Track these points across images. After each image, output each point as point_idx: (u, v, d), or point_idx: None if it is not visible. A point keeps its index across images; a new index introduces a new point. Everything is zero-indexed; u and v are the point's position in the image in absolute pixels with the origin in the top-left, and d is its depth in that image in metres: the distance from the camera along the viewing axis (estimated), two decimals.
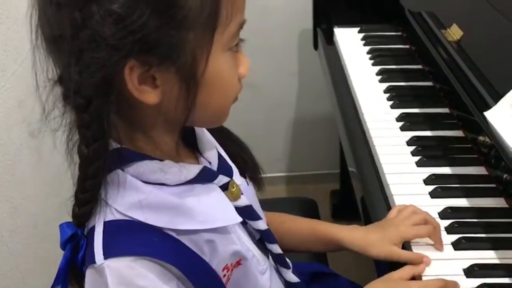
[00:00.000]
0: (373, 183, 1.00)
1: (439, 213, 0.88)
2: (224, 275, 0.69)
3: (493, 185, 0.93)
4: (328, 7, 1.54)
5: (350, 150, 1.13)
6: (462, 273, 0.79)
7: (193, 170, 0.66)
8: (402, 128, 1.08)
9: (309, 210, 1.27)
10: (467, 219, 0.87)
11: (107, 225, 0.61)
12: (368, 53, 1.36)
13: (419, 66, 1.30)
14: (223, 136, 0.78)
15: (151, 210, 0.62)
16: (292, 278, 0.82)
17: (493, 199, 0.91)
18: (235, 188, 0.72)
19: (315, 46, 1.61)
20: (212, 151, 0.73)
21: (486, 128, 0.84)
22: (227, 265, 0.69)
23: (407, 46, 1.39)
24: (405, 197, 0.92)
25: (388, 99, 1.18)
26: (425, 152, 1.01)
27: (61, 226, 0.63)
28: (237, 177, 0.75)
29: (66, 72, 0.56)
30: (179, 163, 0.65)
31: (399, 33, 1.45)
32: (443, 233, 0.85)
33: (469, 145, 1.02)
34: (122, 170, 0.62)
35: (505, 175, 0.90)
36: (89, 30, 0.53)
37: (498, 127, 0.80)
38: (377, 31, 1.45)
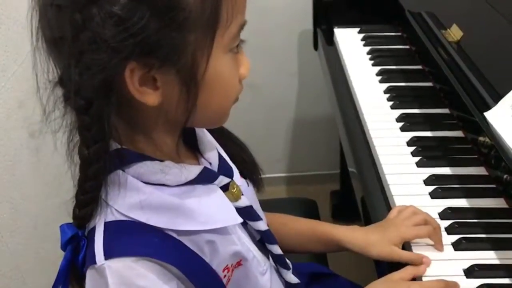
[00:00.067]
0: (373, 183, 1.00)
1: (439, 214, 0.88)
2: (225, 276, 0.69)
3: (493, 186, 0.93)
4: (328, 7, 1.54)
5: (350, 151, 1.13)
6: (462, 273, 0.79)
7: (193, 170, 0.66)
8: (402, 129, 1.09)
9: (309, 210, 1.27)
10: (467, 219, 0.87)
11: (108, 225, 0.61)
12: (368, 53, 1.36)
13: (419, 67, 1.30)
14: (223, 136, 0.78)
15: (152, 211, 0.62)
16: (292, 279, 0.82)
17: (493, 200, 0.91)
18: (235, 189, 0.72)
19: (315, 47, 1.61)
20: (213, 152, 0.73)
21: (486, 128, 0.84)
22: (227, 265, 0.69)
23: (407, 47, 1.39)
24: (405, 197, 0.92)
25: (388, 99, 1.18)
26: (425, 152, 1.01)
27: (61, 227, 0.63)
28: (237, 178, 0.75)
29: (67, 73, 0.56)
30: (179, 163, 0.65)
31: (399, 34, 1.45)
32: (443, 233, 0.85)
33: (469, 146, 1.02)
34: (123, 170, 0.62)
35: (505, 176, 0.90)
36: (89, 32, 0.53)
37: (498, 127, 0.80)
38: (377, 32, 1.45)
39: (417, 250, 0.83)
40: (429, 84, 1.23)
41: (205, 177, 0.68)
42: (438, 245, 0.83)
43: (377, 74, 1.27)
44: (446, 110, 1.13)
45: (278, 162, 2.12)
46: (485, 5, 1.05)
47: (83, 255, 0.62)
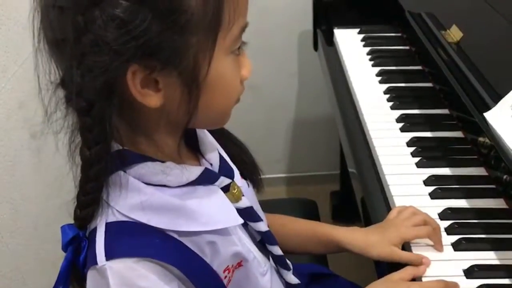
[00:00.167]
0: (373, 184, 1.00)
1: (439, 214, 0.88)
2: (225, 276, 0.69)
3: (493, 186, 0.93)
4: (328, 8, 1.54)
5: (350, 151, 1.13)
6: (462, 273, 0.79)
7: (194, 171, 0.66)
8: (402, 129, 1.09)
9: (309, 211, 1.27)
10: (467, 220, 0.87)
11: (109, 226, 0.61)
12: (368, 54, 1.36)
13: (419, 67, 1.30)
14: (224, 137, 0.78)
15: (153, 212, 0.62)
16: (293, 279, 0.82)
17: (493, 200, 0.91)
18: (236, 190, 0.72)
19: (315, 47, 1.62)
20: (214, 153, 0.73)
21: (486, 129, 0.84)
22: (228, 266, 0.69)
23: (407, 47, 1.39)
24: (405, 198, 0.92)
25: (388, 100, 1.18)
26: (425, 153, 1.01)
27: (62, 228, 0.63)
28: (238, 179, 0.75)
29: (69, 75, 0.56)
30: (180, 164, 0.65)
31: (399, 34, 1.45)
32: (443, 233, 0.85)
33: (469, 146, 1.03)
34: (124, 171, 0.62)
35: (504, 176, 0.90)
36: (91, 34, 0.53)
37: (497, 128, 0.80)
38: (377, 32, 1.45)
39: (416, 251, 0.83)
40: (429, 84, 1.23)
41: (206, 178, 0.68)
42: (438, 246, 0.83)
43: (377, 75, 1.27)
44: (446, 111, 1.13)
45: (278, 162, 2.12)
46: (485, 5, 1.05)
47: (84, 256, 0.62)
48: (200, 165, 0.71)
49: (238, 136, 0.82)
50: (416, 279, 0.79)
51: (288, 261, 0.82)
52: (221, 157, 0.74)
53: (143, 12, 0.53)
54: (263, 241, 0.77)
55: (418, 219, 0.84)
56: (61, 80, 0.59)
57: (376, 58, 1.33)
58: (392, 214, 0.88)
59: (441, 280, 0.77)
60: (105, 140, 0.58)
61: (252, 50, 0.66)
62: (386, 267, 0.82)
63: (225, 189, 0.71)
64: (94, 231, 0.62)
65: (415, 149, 1.02)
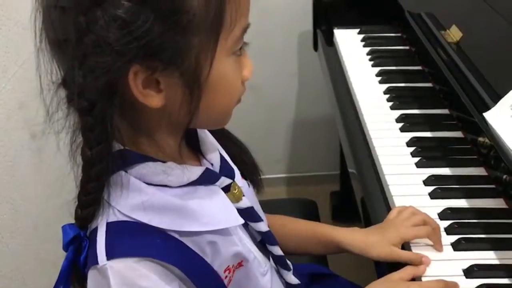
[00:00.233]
0: (373, 184, 1.00)
1: (438, 214, 0.88)
2: (226, 277, 0.69)
3: (493, 186, 0.93)
4: (327, 8, 1.54)
5: (350, 151, 1.13)
6: (462, 273, 0.79)
7: (195, 171, 0.66)
8: (402, 129, 1.09)
9: (309, 211, 1.27)
10: (466, 219, 0.87)
11: (110, 226, 0.61)
12: (368, 54, 1.36)
13: (419, 67, 1.30)
14: (224, 137, 0.79)
15: (154, 212, 0.62)
16: (293, 279, 0.82)
17: (493, 200, 0.91)
18: (236, 190, 0.72)
19: (315, 47, 1.62)
20: (215, 153, 0.73)
21: (485, 129, 0.85)
22: (228, 266, 0.69)
23: (406, 47, 1.40)
24: (405, 198, 0.92)
25: (388, 100, 1.18)
26: (425, 153, 1.01)
27: (63, 227, 0.63)
28: (238, 179, 0.75)
29: (70, 75, 0.56)
30: (181, 165, 0.65)
31: (399, 34, 1.45)
32: (443, 233, 0.85)
33: (469, 146, 1.03)
34: (125, 171, 0.62)
35: (504, 176, 0.90)
36: (93, 35, 0.53)
37: (497, 128, 0.80)
38: (377, 32, 1.46)
39: (416, 251, 0.83)
40: (429, 84, 1.23)
41: (207, 178, 0.68)
42: (438, 246, 0.83)
43: (377, 75, 1.27)
44: (445, 111, 1.13)
45: (278, 162, 2.12)
46: (485, 6, 1.06)
47: (84, 256, 0.63)
48: (201, 165, 0.71)
49: (238, 136, 0.83)
50: (415, 279, 0.79)
51: (288, 261, 0.82)
52: (222, 157, 0.74)
53: (145, 12, 0.53)
54: (263, 241, 0.77)
55: (418, 219, 0.84)
56: (63, 80, 0.59)
57: (376, 58, 1.34)
58: (392, 214, 0.88)
59: (441, 280, 0.77)
60: (107, 140, 0.58)
61: (252, 51, 0.67)
62: (386, 267, 0.83)
63: (226, 189, 0.71)
64: (95, 231, 0.62)
65: (415, 149, 1.02)
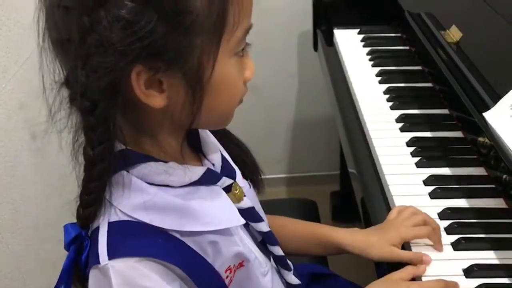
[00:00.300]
0: (373, 184, 1.00)
1: (438, 214, 0.88)
2: (227, 277, 0.69)
3: (493, 186, 0.93)
4: (327, 8, 1.54)
5: (350, 151, 1.13)
6: (462, 273, 0.79)
7: (197, 172, 0.66)
8: (402, 129, 1.09)
9: (309, 211, 1.28)
10: (466, 219, 0.87)
11: (112, 226, 0.61)
12: (367, 54, 1.37)
13: (419, 67, 1.30)
14: (225, 138, 0.79)
15: (156, 212, 0.62)
16: (293, 280, 0.82)
17: (493, 200, 0.91)
18: (238, 190, 0.72)
19: (315, 48, 1.62)
20: (216, 154, 0.73)
21: (485, 129, 0.85)
22: (229, 266, 0.69)
23: (406, 47, 1.40)
24: (405, 198, 0.92)
25: (388, 100, 1.18)
26: (425, 153, 1.01)
27: (65, 227, 0.63)
28: (240, 179, 0.75)
29: (73, 75, 0.56)
30: (183, 165, 0.65)
31: (399, 35, 1.45)
32: (443, 233, 0.85)
33: (469, 146, 1.03)
34: (127, 171, 0.62)
35: (504, 176, 0.90)
36: (96, 35, 0.53)
37: (497, 128, 0.80)
38: (377, 33, 1.46)
39: (416, 251, 0.83)
40: (429, 84, 1.24)
41: (209, 178, 0.68)
42: (438, 245, 0.83)
43: (377, 75, 1.27)
44: (445, 111, 1.14)
45: (278, 163, 2.12)
46: (484, 6, 1.06)
47: (86, 255, 0.63)
48: (202, 165, 0.71)
49: (238, 137, 0.83)
50: (416, 278, 0.79)
51: (289, 261, 0.82)
52: (223, 157, 0.74)
53: (148, 13, 0.53)
54: (264, 242, 0.78)
55: (418, 219, 0.84)
56: (65, 80, 0.59)
57: (376, 58, 1.34)
58: (392, 214, 0.88)
59: (441, 279, 0.77)
60: (109, 140, 0.58)
61: (252, 51, 0.67)
62: (386, 267, 0.83)
63: (227, 189, 0.71)
64: (96, 230, 0.62)
65: (415, 149, 1.02)
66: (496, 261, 0.80)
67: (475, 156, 1.00)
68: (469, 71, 0.96)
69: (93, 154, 0.58)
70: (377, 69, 1.29)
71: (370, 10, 1.51)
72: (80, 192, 0.62)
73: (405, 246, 0.84)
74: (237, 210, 0.71)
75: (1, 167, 1.07)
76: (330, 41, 1.49)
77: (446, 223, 0.86)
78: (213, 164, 0.72)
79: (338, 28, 1.49)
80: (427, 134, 1.07)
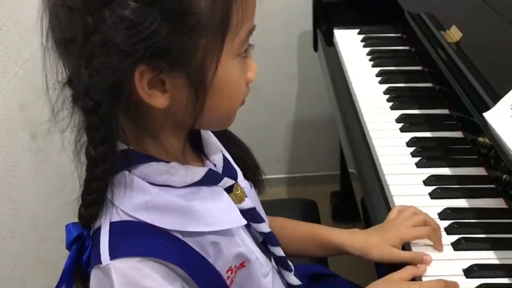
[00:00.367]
0: (373, 184, 1.00)
1: (438, 214, 0.88)
2: (228, 277, 0.69)
3: (493, 186, 0.93)
4: (327, 8, 1.54)
5: (350, 152, 1.13)
6: (462, 273, 0.79)
7: (199, 172, 0.66)
8: (402, 129, 1.09)
9: (310, 211, 1.27)
10: (466, 219, 0.87)
11: (113, 226, 0.61)
12: (368, 54, 1.37)
13: (419, 68, 1.30)
14: (227, 138, 0.79)
15: (158, 212, 0.62)
16: (294, 280, 0.82)
17: (493, 200, 0.91)
18: (239, 191, 0.72)
19: (315, 48, 1.62)
20: (218, 154, 0.73)
21: (485, 129, 0.85)
22: (231, 267, 0.69)
23: (406, 48, 1.40)
24: (405, 198, 0.92)
25: (388, 100, 1.18)
26: (425, 153, 1.01)
27: (67, 226, 0.63)
28: (241, 180, 0.75)
29: (76, 74, 0.56)
30: (185, 165, 0.66)
31: (399, 35, 1.45)
32: (443, 233, 0.85)
33: (469, 146, 1.03)
34: (129, 171, 0.62)
35: (504, 176, 0.90)
36: (100, 35, 0.53)
37: (497, 128, 0.80)
38: (377, 33, 1.46)
39: (416, 251, 0.83)
40: (429, 84, 1.24)
41: (210, 179, 0.68)
42: (438, 246, 0.83)
43: (377, 75, 1.27)
44: (445, 111, 1.14)
45: (278, 163, 2.12)
46: (484, 6, 1.06)
47: (87, 255, 0.63)
48: (204, 166, 0.71)
49: (238, 137, 0.83)
50: (416, 278, 0.79)
51: (289, 262, 0.82)
52: (224, 158, 0.74)
53: (152, 13, 0.53)
54: (265, 242, 0.78)
55: (418, 220, 0.84)
56: (68, 79, 0.59)
57: (376, 58, 1.34)
58: (392, 214, 0.88)
59: (441, 279, 0.77)
60: (111, 140, 0.58)
61: (252, 51, 0.67)
62: (386, 267, 0.83)
63: (229, 190, 0.71)
64: (98, 230, 0.62)
65: (415, 149, 1.02)
66: (496, 261, 0.80)
67: (475, 156, 1.00)
68: (469, 71, 0.96)
69: (95, 154, 0.58)
70: (377, 69, 1.29)
71: (370, 10, 1.51)
72: (82, 191, 0.62)
73: (405, 246, 0.84)
74: (238, 211, 0.71)
75: (2, 167, 1.07)
76: (330, 41, 1.49)
77: (446, 223, 0.86)
78: (215, 165, 0.72)
79: (338, 28, 1.49)
80: (427, 134, 1.07)
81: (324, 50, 1.51)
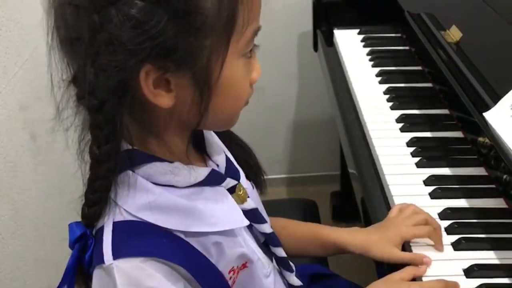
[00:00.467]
0: (373, 184, 1.00)
1: (438, 214, 0.88)
2: (230, 278, 0.69)
3: (493, 186, 0.93)
4: (327, 8, 1.54)
5: (350, 152, 1.13)
6: (462, 273, 0.79)
7: (202, 172, 0.66)
8: (402, 129, 1.09)
9: (310, 211, 1.27)
10: (466, 219, 0.87)
11: (116, 225, 0.61)
12: (368, 54, 1.37)
13: (419, 68, 1.30)
14: (229, 139, 0.79)
15: (161, 212, 0.62)
16: (295, 281, 0.82)
17: (493, 200, 0.91)
18: (242, 191, 0.72)
19: (315, 48, 1.62)
20: (221, 155, 0.73)
21: (485, 129, 0.85)
22: (233, 267, 0.69)
23: (406, 48, 1.40)
24: (405, 198, 0.92)
25: (388, 100, 1.18)
26: (425, 153, 1.01)
27: (70, 225, 0.63)
28: (243, 180, 0.75)
29: (81, 73, 0.56)
30: (188, 165, 0.66)
31: (399, 35, 1.45)
32: (443, 233, 0.85)
33: (469, 146, 1.03)
34: (133, 171, 0.62)
35: (504, 176, 0.90)
36: (106, 34, 0.53)
37: (497, 128, 0.80)
38: (377, 33, 1.46)
39: (417, 250, 0.83)
40: (429, 84, 1.24)
41: (213, 179, 0.68)
42: (438, 245, 0.83)
43: (377, 75, 1.27)
44: (445, 111, 1.14)
45: (278, 163, 2.12)
46: (484, 6, 1.06)
47: (90, 254, 0.63)
48: (206, 166, 0.71)
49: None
50: (416, 279, 0.79)
51: (291, 263, 0.82)
52: (227, 158, 0.74)
53: (159, 13, 0.53)
54: (266, 243, 0.78)
55: (419, 219, 0.84)
56: (73, 78, 0.59)
57: (376, 58, 1.34)
58: (393, 212, 0.88)
59: (441, 279, 0.77)
60: (115, 139, 0.58)
61: (256, 52, 0.67)
62: (386, 267, 0.83)
63: (231, 190, 0.71)
64: (101, 229, 0.62)
65: (415, 149, 1.02)
66: (496, 261, 0.81)
67: (475, 156, 1.00)
68: (469, 71, 0.96)
69: (99, 153, 0.58)
70: (377, 69, 1.29)
71: (370, 10, 1.51)
72: (85, 190, 0.62)
73: (405, 246, 0.84)
74: (241, 211, 0.71)
75: (2, 167, 1.07)
76: (330, 42, 1.49)
77: (447, 223, 0.86)
78: (217, 165, 0.72)
79: (338, 28, 1.49)
80: (427, 134, 1.08)
81: (324, 50, 1.51)
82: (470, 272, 0.79)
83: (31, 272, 1.17)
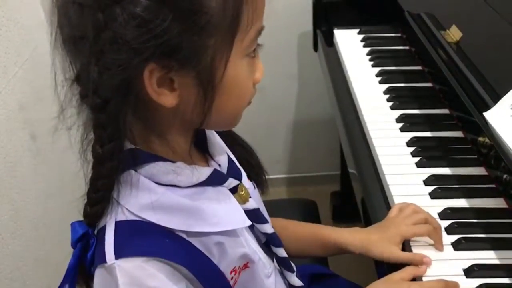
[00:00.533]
0: (373, 184, 1.00)
1: (439, 214, 0.88)
2: (232, 278, 0.69)
3: (493, 186, 0.93)
4: (327, 8, 1.54)
5: (350, 152, 1.13)
6: (462, 273, 0.79)
7: (204, 172, 0.66)
8: (402, 129, 1.09)
9: (310, 211, 1.28)
10: (467, 219, 0.87)
11: (119, 225, 0.61)
12: (367, 54, 1.37)
13: (419, 67, 1.30)
14: (231, 139, 0.79)
15: (163, 212, 0.62)
16: (296, 282, 0.82)
17: (493, 200, 0.91)
18: (243, 191, 0.73)
19: (315, 48, 1.62)
20: (223, 155, 0.73)
21: (485, 128, 0.85)
22: (235, 267, 0.69)
23: (406, 47, 1.40)
24: (405, 197, 0.92)
25: (388, 100, 1.18)
26: (425, 153, 1.01)
27: (72, 224, 0.63)
28: (245, 181, 0.75)
29: (85, 72, 0.56)
30: (191, 165, 0.66)
31: (399, 34, 1.45)
32: (443, 233, 0.85)
33: (469, 146, 1.03)
34: (135, 170, 0.62)
35: (504, 176, 0.90)
36: (111, 32, 0.53)
37: (497, 127, 0.80)
38: (377, 33, 1.46)
39: (417, 250, 0.83)
40: (429, 84, 1.24)
41: (216, 179, 0.68)
42: (438, 245, 0.83)
43: (377, 75, 1.27)
44: (445, 111, 1.14)
45: (278, 163, 2.12)
46: (484, 5, 1.06)
47: (91, 254, 0.63)
48: (208, 166, 0.71)
49: None
50: (416, 278, 0.79)
51: (292, 263, 0.82)
52: (229, 158, 0.74)
53: (163, 11, 0.53)
54: (267, 243, 0.78)
55: (419, 218, 0.84)
56: (76, 77, 0.59)
57: (376, 58, 1.34)
58: (393, 212, 0.88)
59: (441, 279, 0.77)
60: (119, 138, 0.58)
61: (260, 51, 0.67)
62: (386, 267, 0.83)
63: (233, 190, 0.71)
64: (103, 229, 0.62)
65: (415, 149, 1.02)
66: (496, 261, 0.81)
67: (475, 156, 1.00)
68: (469, 70, 0.96)
69: (102, 152, 0.58)
70: (377, 69, 1.29)
71: (370, 10, 1.51)
72: (87, 190, 0.62)
73: (405, 246, 0.84)
74: (243, 212, 0.71)
75: (1, 167, 1.07)
76: (330, 41, 1.49)
77: (447, 223, 0.86)
78: (220, 165, 0.72)
79: (338, 28, 1.49)
80: (427, 134, 1.08)
81: (324, 50, 1.51)
82: (470, 272, 0.79)
83: (31, 272, 1.17)
